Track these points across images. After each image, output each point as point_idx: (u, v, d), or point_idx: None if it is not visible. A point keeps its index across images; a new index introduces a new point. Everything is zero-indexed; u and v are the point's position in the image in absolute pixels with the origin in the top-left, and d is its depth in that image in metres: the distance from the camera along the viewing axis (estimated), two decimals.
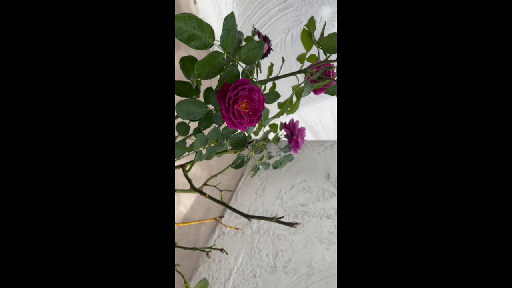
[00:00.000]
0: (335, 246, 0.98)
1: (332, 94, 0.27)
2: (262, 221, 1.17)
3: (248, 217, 0.25)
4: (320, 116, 1.15)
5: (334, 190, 1.18)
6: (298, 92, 0.29)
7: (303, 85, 0.32)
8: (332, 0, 0.85)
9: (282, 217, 0.21)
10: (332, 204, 1.13)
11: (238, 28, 1.02)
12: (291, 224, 0.22)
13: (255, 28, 0.39)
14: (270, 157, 0.48)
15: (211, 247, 0.27)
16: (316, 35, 0.33)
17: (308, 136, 1.28)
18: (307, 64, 0.37)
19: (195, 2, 1.01)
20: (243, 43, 0.39)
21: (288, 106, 0.31)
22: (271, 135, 0.48)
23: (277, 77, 0.33)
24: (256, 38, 0.40)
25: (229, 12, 0.99)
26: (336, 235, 1.02)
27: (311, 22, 0.34)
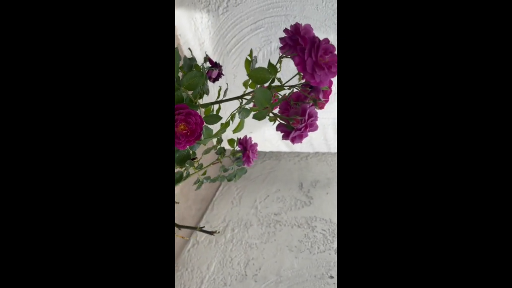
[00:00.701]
0: (303, 254, 1.02)
1: (258, 119, 0.31)
2: (236, 230, 1.20)
3: (178, 226, 0.29)
4: None
5: (305, 199, 1.23)
6: (233, 115, 0.34)
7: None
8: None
9: (203, 227, 0.24)
10: (303, 213, 1.17)
11: (214, 45, 1.07)
12: (211, 233, 0.26)
13: (207, 55, 0.44)
14: (225, 170, 0.52)
15: None
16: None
17: (282, 148, 1.33)
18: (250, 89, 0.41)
19: None
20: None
21: (225, 127, 0.35)
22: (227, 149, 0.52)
23: (220, 101, 0.38)
24: (208, 64, 0.44)
25: (204, 30, 1.04)
26: (304, 243, 1.06)
27: (251, 53, 0.40)
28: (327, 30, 0.91)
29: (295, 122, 0.29)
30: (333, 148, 1.23)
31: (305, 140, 1.08)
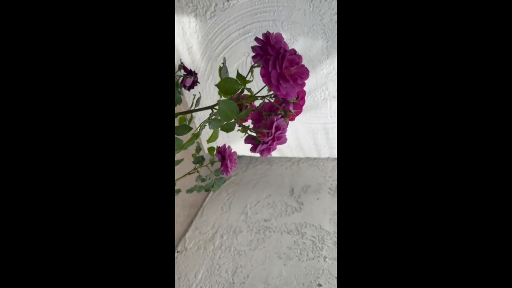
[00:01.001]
0: (292, 262, 1.01)
1: (226, 131, 0.30)
2: (225, 237, 1.18)
3: None
4: None
5: (296, 205, 1.22)
6: (202, 126, 0.33)
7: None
8: (287, 28, 0.91)
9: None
10: (293, 219, 1.16)
11: (202, 50, 1.06)
12: None
13: (182, 63, 0.43)
14: (202, 180, 0.51)
15: None
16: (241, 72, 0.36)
17: (274, 153, 1.32)
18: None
19: None
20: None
21: (195, 138, 0.34)
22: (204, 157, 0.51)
23: (191, 111, 0.36)
24: (182, 71, 0.43)
25: (192, 34, 1.04)
26: (293, 250, 1.04)
27: (225, 61, 0.38)
28: (314, 36, 0.90)
29: (261, 135, 0.28)
30: (323, 153, 1.22)
31: (295, 145, 1.08)
